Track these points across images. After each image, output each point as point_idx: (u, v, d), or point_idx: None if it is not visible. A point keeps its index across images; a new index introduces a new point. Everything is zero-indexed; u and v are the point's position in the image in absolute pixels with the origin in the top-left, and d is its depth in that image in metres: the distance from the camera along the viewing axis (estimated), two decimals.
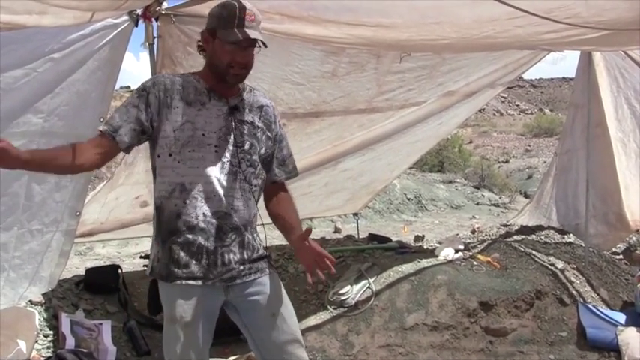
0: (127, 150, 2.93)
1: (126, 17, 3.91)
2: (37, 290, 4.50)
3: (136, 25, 3.97)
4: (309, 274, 2.98)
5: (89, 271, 6.11)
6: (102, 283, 5.84)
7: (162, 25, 3.98)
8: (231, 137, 2.95)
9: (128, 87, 34.87)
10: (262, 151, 3.07)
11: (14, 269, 4.27)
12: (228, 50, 2.83)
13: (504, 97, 53.46)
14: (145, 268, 6.08)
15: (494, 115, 48.43)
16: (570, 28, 3.75)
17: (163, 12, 3.86)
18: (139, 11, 3.89)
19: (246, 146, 2.99)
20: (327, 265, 2.93)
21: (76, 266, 8.49)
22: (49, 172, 3.36)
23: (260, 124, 3.08)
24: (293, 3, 3.64)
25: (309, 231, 2.99)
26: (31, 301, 4.97)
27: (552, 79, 63.88)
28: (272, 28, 3.99)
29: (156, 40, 4.08)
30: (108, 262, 8.35)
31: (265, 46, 2.89)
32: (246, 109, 3.04)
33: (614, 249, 7.56)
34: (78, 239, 5.63)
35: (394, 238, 7.73)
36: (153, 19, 3.97)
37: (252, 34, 2.80)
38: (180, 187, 2.88)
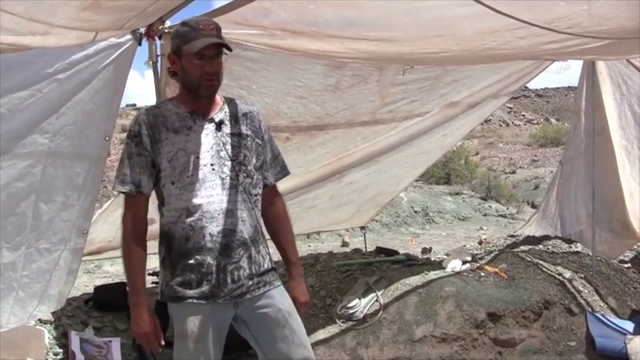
0: (151, 192, 3.03)
1: (129, 36, 3.95)
2: (46, 309, 4.51)
3: (140, 44, 4.01)
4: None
5: (98, 289, 6.13)
6: (111, 300, 5.84)
7: (165, 43, 4.00)
8: (224, 152, 2.99)
9: (134, 105, 35.13)
10: (255, 160, 3.10)
11: (23, 288, 4.28)
12: (196, 64, 2.88)
13: (510, 108, 53.37)
14: (154, 285, 6.11)
15: (500, 125, 48.35)
16: (572, 38, 3.75)
17: (166, 30, 3.89)
18: (142, 30, 3.93)
19: (240, 158, 3.03)
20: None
21: (85, 284, 8.51)
22: None
23: (249, 132, 3.11)
24: (295, 19, 3.66)
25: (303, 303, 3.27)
26: (40, 320, 4.98)
27: (558, 88, 63.71)
28: (275, 43, 4.02)
29: (159, 58, 4.10)
30: (116, 280, 8.35)
31: (230, 50, 2.93)
32: (232, 121, 3.08)
33: (622, 257, 7.53)
34: (86, 257, 5.64)
35: (402, 251, 7.72)
36: (156, 38, 4.00)
37: (214, 40, 2.85)
38: (185, 211, 2.92)
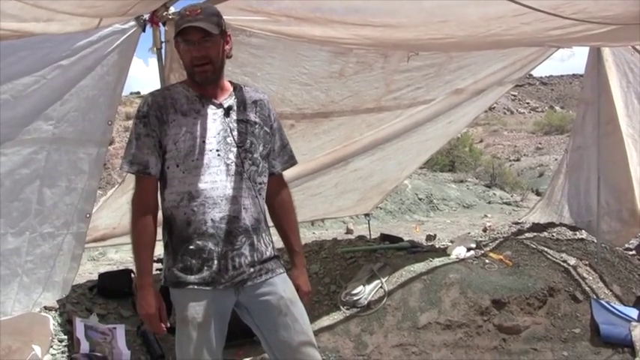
0: (160, 173, 3.01)
1: (133, 23, 3.94)
2: (50, 296, 4.51)
3: (144, 31, 4.00)
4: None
5: (102, 276, 6.14)
6: (115, 287, 5.86)
7: (169, 30, 3.98)
8: (231, 138, 2.99)
9: (138, 93, 35.11)
10: (262, 147, 3.10)
11: (27, 274, 4.29)
12: (185, 49, 2.90)
13: (514, 96, 53.31)
14: (158, 272, 6.13)
15: (505, 113, 48.29)
16: (577, 24, 3.73)
17: (171, 16, 3.87)
18: (146, 16, 3.91)
19: (247, 145, 3.02)
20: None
21: (90, 272, 8.54)
22: None
23: (257, 120, 3.11)
24: (299, 5, 3.64)
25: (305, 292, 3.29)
26: (45, 307, 4.99)
27: (562, 76, 63.58)
28: (279, 30, 4.01)
29: (164, 44, 4.09)
30: (121, 267, 8.37)
31: (210, 35, 2.88)
32: (241, 108, 3.07)
33: (626, 245, 7.53)
34: (90, 244, 5.66)
35: (406, 238, 7.73)
36: (160, 24, 3.99)
37: (189, 23, 2.83)
38: (187, 195, 2.92)
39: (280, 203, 3.29)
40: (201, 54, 2.90)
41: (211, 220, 2.91)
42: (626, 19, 3.65)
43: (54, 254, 4.39)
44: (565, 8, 3.40)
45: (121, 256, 10.35)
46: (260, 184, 3.08)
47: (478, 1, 3.41)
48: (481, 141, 32.12)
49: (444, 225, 13.70)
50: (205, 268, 2.91)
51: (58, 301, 5.08)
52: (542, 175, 20.69)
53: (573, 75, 60.28)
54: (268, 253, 3.08)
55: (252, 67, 4.69)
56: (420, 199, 15.78)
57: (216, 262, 2.92)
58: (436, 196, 16.22)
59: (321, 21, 3.79)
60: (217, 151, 2.94)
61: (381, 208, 13.26)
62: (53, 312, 5.14)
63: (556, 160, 21.09)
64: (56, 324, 5.03)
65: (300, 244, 3.39)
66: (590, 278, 6.11)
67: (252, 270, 2.99)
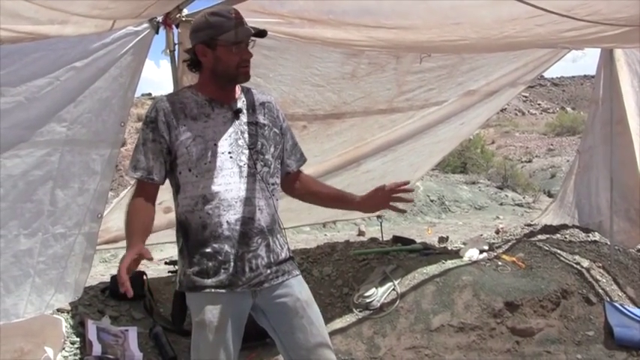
0: (164, 182, 3.04)
1: (146, 25, 3.96)
2: (63, 298, 4.52)
3: (157, 33, 4.01)
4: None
5: (114, 278, 6.13)
6: None
7: (182, 32, 4.00)
8: (242, 140, 3.00)
9: (149, 94, 35.21)
10: (273, 149, 3.11)
11: (39, 275, 4.30)
12: (236, 52, 2.92)
13: (526, 97, 53.10)
14: (170, 274, 6.14)
15: (516, 114, 48.11)
16: (591, 26, 3.72)
17: (184, 19, 3.89)
18: (160, 18, 3.93)
19: (258, 146, 3.04)
20: (404, 193, 3.14)
21: (101, 273, 8.55)
22: None
23: (266, 122, 3.12)
24: (312, 7, 3.65)
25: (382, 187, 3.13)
26: (57, 309, 5.00)
27: (574, 77, 63.26)
28: (292, 32, 4.01)
29: (177, 46, 4.10)
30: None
31: (264, 36, 2.99)
32: (250, 110, 3.09)
33: (639, 246, 7.48)
34: (102, 246, 5.67)
35: (418, 240, 7.70)
36: (173, 26, 4.00)
37: (252, 28, 2.92)
38: (202, 199, 2.92)
39: (308, 184, 3.35)
40: (250, 56, 2.98)
41: (227, 222, 2.91)
42: (639, 21, 3.64)
43: (66, 255, 4.40)
44: (579, 10, 3.39)
45: None
46: (273, 184, 3.09)
47: (492, 3, 3.40)
48: (493, 142, 32.00)
49: (456, 227, 13.67)
50: (222, 270, 2.91)
51: (70, 303, 5.08)
52: (554, 177, 20.58)
53: (584, 76, 59.96)
54: (284, 255, 3.08)
55: (264, 68, 4.69)
56: (431, 201, 15.75)
57: (232, 264, 2.91)
58: (448, 197, 16.18)
59: (333, 23, 3.79)
60: (229, 153, 2.95)
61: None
62: (65, 314, 5.14)
63: (568, 161, 21.00)
64: (68, 326, 5.04)
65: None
66: (604, 280, 6.08)
67: (268, 271, 2.98)
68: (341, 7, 3.68)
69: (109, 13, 3.23)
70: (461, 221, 14.61)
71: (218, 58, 2.94)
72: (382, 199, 3.13)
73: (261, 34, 2.96)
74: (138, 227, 2.90)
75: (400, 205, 3.17)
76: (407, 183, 3.16)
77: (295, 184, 3.31)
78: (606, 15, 3.55)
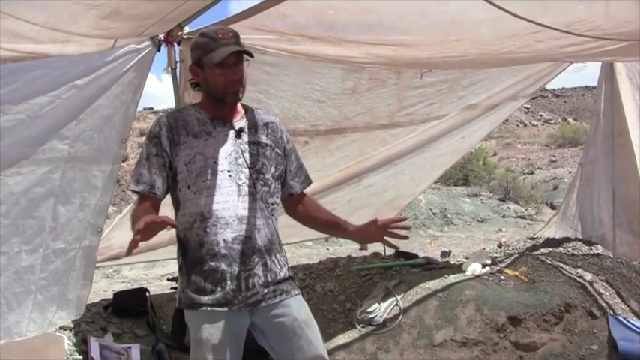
0: (165, 197, 3.04)
1: (148, 42, 3.97)
2: (65, 315, 4.51)
3: (159, 50, 4.03)
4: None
5: (117, 294, 6.14)
6: (130, 306, 5.85)
7: (184, 49, 4.02)
8: (242, 160, 3.00)
9: (151, 108, 35.29)
10: (273, 169, 3.11)
11: (41, 291, 4.30)
12: (220, 73, 2.91)
13: (527, 108, 53.14)
14: (173, 290, 6.13)
15: (518, 126, 48.16)
16: (591, 41, 3.73)
17: (185, 36, 3.90)
18: (161, 36, 3.94)
19: (258, 166, 3.04)
20: (400, 229, 3.08)
21: (104, 289, 8.55)
22: None
23: (268, 142, 3.12)
24: (313, 24, 3.66)
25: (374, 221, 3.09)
26: (60, 326, 4.99)
27: (575, 88, 63.35)
28: (293, 49, 4.02)
29: (178, 64, 4.12)
30: (135, 285, 8.39)
31: (251, 56, 2.95)
32: (252, 130, 3.09)
33: None
34: (105, 263, 5.67)
35: (421, 254, 7.70)
36: (175, 44, 4.02)
37: (235, 48, 2.87)
38: (200, 216, 2.93)
39: (307, 206, 3.32)
40: (237, 77, 2.93)
41: (223, 240, 2.91)
42: (639, 36, 3.64)
43: (67, 269, 4.40)
44: (579, 26, 3.40)
45: (135, 274, 10.37)
46: (272, 204, 3.08)
47: (492, 20, 3.41)
48: (495, 154, 32.03)
49: (459, 240, 13.66)
50: (219, 288, 2.91)
51: (72, 320, 5.07)
52: (556, 189, 20.58)
53: (586, 87, 60.11)
54: (282, 274, 3.07)
55: (265, 84, 4.71)
56: (434, 214, 15.74)
57: (229, 282, 2.91)
58: (450, 210, 16.17)
59: (334, 40, 3.80)
60: (228, 172, 2.96)
61: None
62: (68, 331, 5.13)
63: (570, 173, 21.00)
64: (71, 343, 5.02)
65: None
66: (607, 294, 6.06)
67: (265, 290, 2.98)
68: (341, 24, 3.68)
69: (110, 32, 3.25)
70: (463, 234, 14.59)
71: (207, 79, 2.97)
72: (375, 233, 3.10)
73: (245, 53, 2.92)
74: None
75: (393, 242, 3.15)
76: (403, 220, 3.15)
77: (298, 207, 3.29)
78: (606, 30, 3.56)
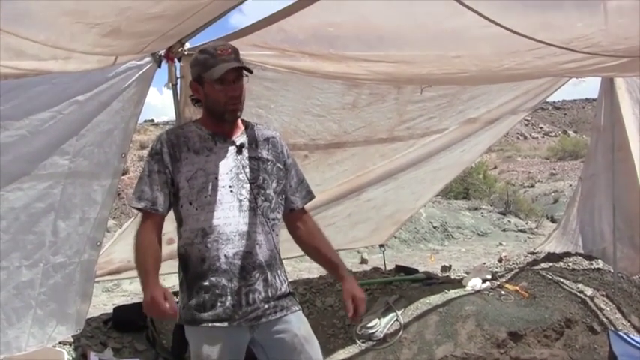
0: (167, 213, 3.04)
1: (149, 59, 3.99)
2: (65, 330, 4.51)
3: (159, 66, 4.04)
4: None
5: (117, 309, 6.13)
6: (130, 321, 5.84)
7: (184, 65, 4.03)
8: (243, 175, 3.00)
9: (152, 121, 35.33)
10: (275, 184, 3.11)
11: (41, 306, 4.31)
12: (219, 89, 2.92)
13: (528, 121, 53.24)
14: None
15: (518, 138, 48.24)
16: (590, 57, 3.74)
17: (186, 52, 3.91)
18: (162, 52, 3.95)
19: (260, 181, 3.04)
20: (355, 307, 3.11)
21: (104, 303, 8.53)
22: None
23: (270, 157, 3.12)
24: (314, 41, 3.67)
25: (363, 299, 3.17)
26: (59, 341, 4.98)
27: (575, 100, 63.49)
28: (293, 65, 4.04)
29: (179, 80, 4.13)
30: (135, 299, 8.36)
31: (251, 72, 2.96)
32: (253, 145, 3.09)
33: None
34: (106, 277, 5.66)
35: (421, 268, 7.70)
36: (176, 60, 4.03)
37: (234, 64, 2.88)
38: (201, 232, 2.93)
39: (308, 233, 3.29)
40: (236, 93, 2.95)
41: (224, 255, 2.92)
42: (638, 52, 3.66)
43: (67, 284, 4.41)
44: (578, 43, 3.42)
45: (135, 287, 10.32)
46: (273, 219, 3.08)
47: (492, 37, 3.42)
48: (495, 167, 32.04)
49: (459, 254, 13.63)
50: (219, 304, 2.91)
51: (72, 335, 5.06)
52: (556, 202, 20.58)
53: (586, 99, 60.22)
54: (283, 290, 3.07)
55: (265, 99, 4.72)
56: (434, 228, 15.72)
57: (229, 297, 2.91)
58: (451, 224, 16.15)
59: (334, 58, 3.82)
60: (230, 187, 2.96)
61: (395, 237, 13.17)
62: (68, 346, 5.12)
63: (570, 186, 21.01)
64: (70, 358, 5.02)
65: (339, 258, 3.34)
66: (608, 309, 6.06)
67: (266, 306, 2.98)
68: (342, 42, 3.70)
69: (111, 50, 3.26)
70: (464, 248, 14.56)
71: (207, 95, 2.98)
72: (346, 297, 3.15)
73: (244, 69, 2.93)
74: (151, 264, 2.90)
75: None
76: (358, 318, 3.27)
77: (299, 226, 3.27)
78: (605, 47, 3.57)
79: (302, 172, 3.35)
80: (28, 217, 4.07)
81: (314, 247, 3.28)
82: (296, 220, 3.26)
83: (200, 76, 2.94)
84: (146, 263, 2.90)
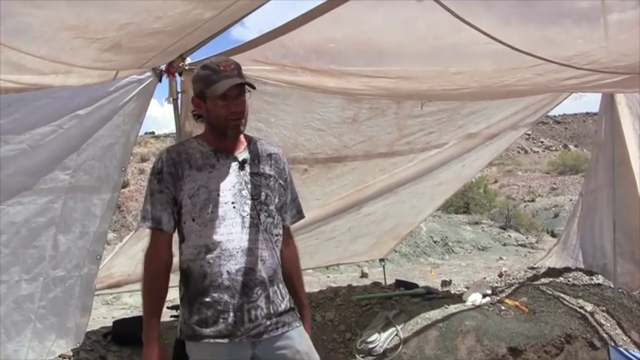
0: (174, 230, 3.04)
1: (150, 73, 3.99)
2: (64, 344, 4.50)
3: (160, 81, 4.04)
4: None
5: (117, 323, 6.12)
6: (130, 334, 5.82)
7: (185, 80, 4.02)
8: (246, 191, 3.00)
9: (153, 133, 35.29)
10: (277, 200, 3.12)
11: (40, 320, 4.30)
12: (222, 105, 2.91)
13: (528, 134, 53.24)
14: (173, 318, 6.10)
15: (519, 152, 48.25)
16: (590, 74, 3.74)
17: (187, 67, 3.91)
18: (163, 67, 3.95)
19: (262, 197, 3.03)
20: None
21: (104, 316, 8.52)
22: None
23: (272, 173, 3.12)
24: (314, 58, 3.67)
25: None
26: (59, 355, 4.97)
27: (576, 114, 63.53)
28: (294, 80, 4.04)
29: (180, 94, 4.13)
30: (135, 312, 8.35)
31: (254, 88, 2.95)
32: (255, 161, 3.09)
33: None
34: (106, 291, 5.66)
35: (421, 282, 7.70)
36: (177, 74, 4.03)
37: (237, 80, 2.88)
38: (204, 248, 2.92)
39: (289, 257, 3.27)
40: (239, 109, 2.94)
41: (227, 272, 2.90)
42: (639, 69, 3.66)
43: (66, 298, 4.41)
44: (578, 59, 3.42)
45: (135, 300, 10.32)
46: (276, 235, 3.08)
47: (492, 53, 3.42)
48: (495, 181, 32.07)
49: (460, 268, 13.63)
50: (221, 320, 2.90)
51: (72, 349, 5.05)
52: (557, 216, 20.55)
53: (587, 113, 60.21)
54: (284, 306, 3.06)
55: (266, 113, 4.73)
56: (435, 242, 15.73)
57: (232, 314, 2.90)
58: (451, 238, 16.16)
59: (335, 73, 3.82)
60: (233, 203, 2.95)
61: (396, 252, 13.19)
62: (67, 359, 5.12)
63: (571, 200, 21.00)
64: None
65: (306, 297, 3.38)
66: (608, 325, 6.04)
67: (268, 323, 2.97)
68: (343, 57, 3.70)
69: (112, 65, 3.27)
70: (464, 262, 14.56)
71: (209, 111, 2.98)
72: None
73: (247, 85, 2.93)
74: (154, 306, 3.02)
75: None
76: None
77: (282, 248, 3.19)
78: (606, 64, 3.57)
79: (296, 190, 3.35)
80: (29, 232, 4.07)
81: (290, 276, 3.25)
82: (282, 240, 3.23)
83: (202, 92, 2.94)
84: (149, 304, 3.04)
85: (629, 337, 5.99)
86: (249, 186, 3.01)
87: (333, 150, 5.49)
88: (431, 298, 6.43)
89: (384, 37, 3.46)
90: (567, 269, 7.47)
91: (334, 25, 3.26)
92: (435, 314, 5.85)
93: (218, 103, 2.91)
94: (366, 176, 6.25)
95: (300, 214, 3.34)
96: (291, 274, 3.26)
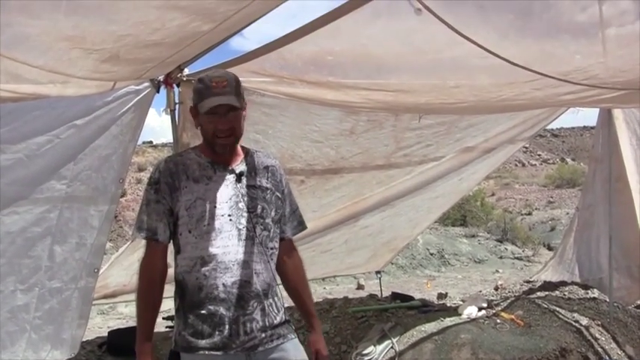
0: (169, 241, 3.03)
1: (147, 84, 3.99)
2: (59, 355, 4.49)
3: (158, 92, 4.04)
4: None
5: (112, 333, 6.11)
6: (125, 345, 5.79)
7: (183, 91, 4.03)
8: (243, 204, 2.98)
9: (150, 142, 35.32)
10: (273, 213, 3.09)
11: (35, 330, 4.29)
12: (209, 120, 2.89)
13: (526, 148, 53.31)
14: (168, 329, 6.09)
15: (516, 165, 48.34)
16: (588, 89, 3.74)
17: (185, 78, 3.92)
18: (161, 78, 3.95)
19: (259, 210, 3.02)
20: None
21: (99, 325, 8.50)
22: None
23: (269, 186, 3.11)
24: (312, 69, 3.68)
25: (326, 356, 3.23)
26: None
27: (573, 128, 63.69)
28: (292, 92, 4.04)
29: (177, 105, 4.13)
30: (130, 322, 8.33)
31: (242, 109, 2.94)
32: (252, 173, 3.08)
33: (639, 302, 7.44)
34: (101, 301, 5.64)
35: (417, 294, 7.70)
36: (174, 85, 4.03)
37: (222, 99, 2.85)
38: (200, 260, 2.91)
39: (294, 268, 3.27)
40: (226, 127, 2.91)
41: (223, 284, 2.89)
42: (637, 85, 3.66)
43: (62, 309, 4.40)
44: (576, 75, 3.42)
45: (130, 310, 10.28)
46: (272, 248, 3.07)
47: (490, 68, 3.43)
48: (493, 194, 32.09)
49: (456, 280, 13.62)
50: (217, 332, 2.89)
51: (66, 359, 5.03)
52: (553, 230, 20.56)
53: (584, 127, 60.34)
54: (279, 318, 3.05)
55: (263, 124, 4.73)
56: (431, 254, 15.72)
57: (227, 326, 2.89)
58: (447, 251, 16.15)
59: (333, 86, 3.82)
60: (229, 216, 2.94)
61: (392, 264, 13.16)
62: None
63: (567, 214, 21.02)
64: None
65: (314, 307, 3.37)
66: (603, 339, 6.03)
67: (263, 335, 2.96)
68: (341, 70, 3.70)
69: (110, 76, 3.27)
70: (460, 275, 14.55)
71: (200, 124, 2.97)
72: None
73: (233, 108, 2.89)
74: (148, 319, 3.02)
75: None
76: None
77: (285, 260, 3.23)
78: (604, 79, 3.57)
79: (296, 201, 3.33)
80: (24, 241, 4.06)
81: (296, 288, 3.28)
82: (283, 252, 3.22)
83: (196, 105, 2.94)
84: (143, 314, 3.03)
85: (624, 351, 5.98)
86: (245, 198, 3.00)
87: (330, 162, 5.50)
88: (427, 310, 6.42)
89: (382, 51, 3.47)
90: (563, 283, 7.46)
91: (333, 38, 3.26)
92: (431, 327, 5.84)
93: (207, 119, 2.90)
94: (363, 188, 6.25)
95: (301, 226, 3.32)
96: (297, 286, 3.27)
